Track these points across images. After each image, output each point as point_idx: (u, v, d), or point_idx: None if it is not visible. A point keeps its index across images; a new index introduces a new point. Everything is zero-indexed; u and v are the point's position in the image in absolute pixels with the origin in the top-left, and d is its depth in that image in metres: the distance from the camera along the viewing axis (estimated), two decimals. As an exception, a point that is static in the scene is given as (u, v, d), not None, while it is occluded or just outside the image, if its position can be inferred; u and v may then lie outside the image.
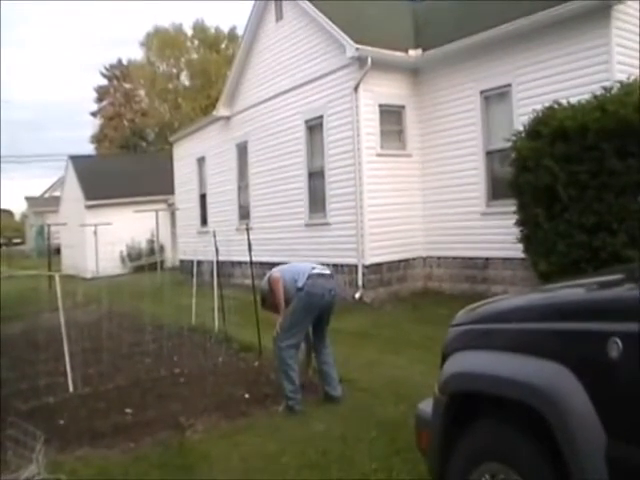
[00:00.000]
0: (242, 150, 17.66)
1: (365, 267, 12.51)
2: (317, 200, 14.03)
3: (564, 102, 8.47)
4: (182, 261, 21.52)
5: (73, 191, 29.52)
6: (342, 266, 12.76)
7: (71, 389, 6.95)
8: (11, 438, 4.75)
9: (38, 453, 4.53)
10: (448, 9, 14.71)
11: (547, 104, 8.66)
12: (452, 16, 13.98)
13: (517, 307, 3.02)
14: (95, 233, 22.76)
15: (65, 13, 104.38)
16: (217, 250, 9.77)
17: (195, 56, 57.89)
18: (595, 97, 7.97)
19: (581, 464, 2.27)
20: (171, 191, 24.22)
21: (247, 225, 11.58)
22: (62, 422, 5.94)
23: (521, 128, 8.90)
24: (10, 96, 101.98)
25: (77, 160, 31.22)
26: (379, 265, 12.67)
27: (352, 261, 12.58)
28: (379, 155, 12.81)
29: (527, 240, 8.84)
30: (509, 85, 11.37)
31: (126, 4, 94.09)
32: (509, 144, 9.07)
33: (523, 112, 10.18)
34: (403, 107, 13.35)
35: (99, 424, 5.81)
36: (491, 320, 2.98)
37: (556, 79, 10.36)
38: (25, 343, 9.65)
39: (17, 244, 60.52)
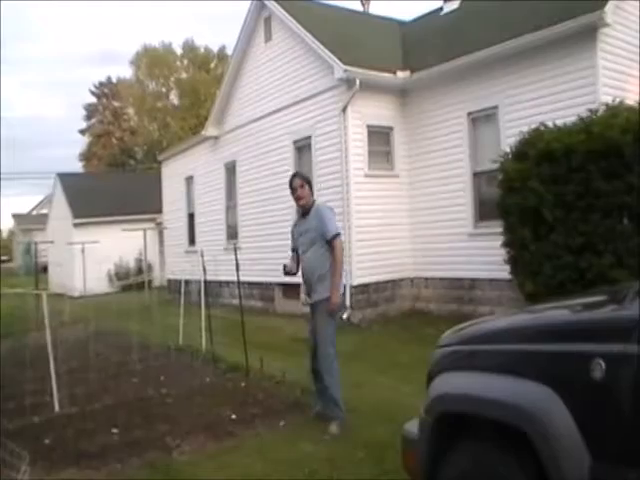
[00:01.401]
0: (230, 170, 17.69)
1: (353, 287, 12.52)
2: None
3: (550, 124, 8.56)
4: (170, 280, 21.49)
5: (61, 209, 29.41)
6: (330, 286, 12.75)
7: (57, 408, 6.89)
8: (-4, 459, 4.72)
9: (23, 474, 4.50)
10: (436, 31, 14.88)
11: (534, 126, 8.74)
12: (440, 38, 14.13)
13: (503, 328, 3.05)
14: (83, 251, 22.74)
15: (54, 30, 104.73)
16: (205, 270, 9.77)
17: (184, 75, 58.11)
18: (581, 119, 8.06)
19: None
20: (159, 210, 24.21)
21: (235, 245, 11.59)
22: (48, 442, 5.89)
23: (508, 150, 8.98)
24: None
25: (65, 178, 31.10)
26: (367, 286, 12.69)
27: (340, 281, 12.56)
28: (367, 176, 12.87)
29: (514, 261, 8.88)
30: (496, 107, 11.48)
31: (115, 23, 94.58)
32: (496, 165, 9.14)
33: (510, 134, 10.29)
34: (391, 128, 13.43)
35: (85, 444, 5.76)
36: (477, 341, 3.01)
37: (543, 101, 10.48)
38: (11, 362, 9.58)
39: (4, 262, 60.14)
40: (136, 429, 6.19)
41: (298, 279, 6.55)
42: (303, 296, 6.43)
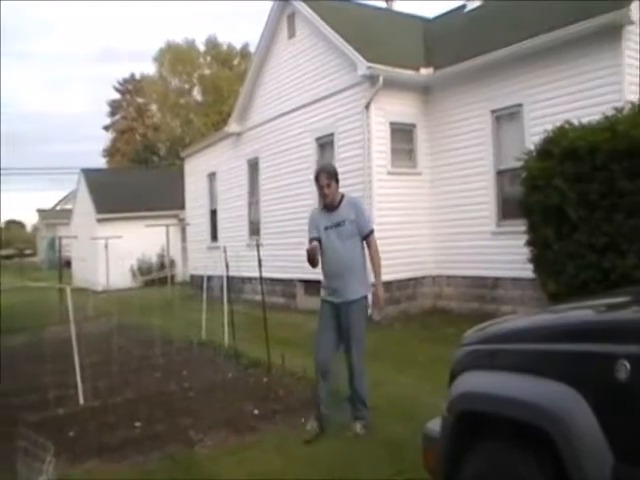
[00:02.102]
0: (253, 166, 17.75)
1: (374, 285, 12.46)
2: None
3: (575, 122, 8.49)
4: (192, 276, 21.61)
5: (84, 204, 29.66)
6: (351, 283, 12.74)
7: (81, 401, 6.99)
8: (21, 449, 4.78)
9: (48, 465, 4.55)
10: (459, 28, 14.81)
11: (558, 124, 8.67)
12: (463, 35, 14.07)
13: (526, 327, 3.03)
14: (106, 246, 22.82)
15: (79, 28, 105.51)
16: (227, 265, 9.81)
17: (207, 72, 58.30)
18: (606, 117, 8.00)
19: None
20: (182, 206, 24.34)
21: (257, 241, 11.61)
22: (72, 434, 5.98)
23: (532, 148, 8.92)
24: (27, 109, 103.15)
25: (89, 173, 31.39)
26: (388, 283, 12.62)
27: (361, 278, 12.53)
28: (390, 173, 12.85)
29: (537, 260, 8.82)
30: (520, 105, 11.41)
31: (139, 20, 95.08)
32: (520, 164, 9.08)
33: (534, 132, 10.23)
34: (414, 125, 13.40)
35: (108, 437, 5.84)
36: (500, 340, 3.00)
37: (567, 99, 10.40)
38: (36, 355, 9.69)
39: (28, 256, 60.76)
40: (158, 423, 6.25)
41: (317, 275, 6.43)
42: (325, 292, 6.06)
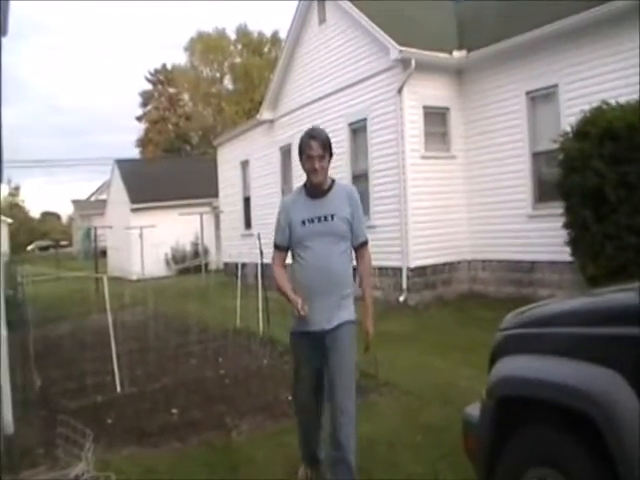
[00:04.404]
0: (285, 153, 17.71)
1: (410, 270, 12.44)
2: (361, 203, 13.98)
3: (612, 102, 8.32)
4: (226, 264, 21.69)
5: (119, 194, 29.96)
6: (386, 269, 12.71)
7: (118, 389, 7.05)
8: (61, 436, 4.83)
9: (87, 451, 4.59)
10: (492, 9, 14.54)
11: (595, 104, 8.52)
12: (496, 16, 13.83)
13: (568, 311, 2.98)
14: (140, 236, 23.06)
15: (111, 20, 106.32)
16: (261, 252, 9.81)
17: (238, 60, 58.45)
18: (644, 96, 7.84)
19: (632, 471, 2.24)
20: (215, 194, 24.43)
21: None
22: (110, 421, 6.05)
23: (568, 129, 8.77)
24: (60, 102, 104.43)
25: (123, 164, 31.69)
26: (424, 268, 12.59)
27: (396, 264, 12.51)
28: (423, 157, 12.74)
29: (574, 243, 8.70)
30: (556, 85, 11.20)
31: (170, 10, 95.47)
32: (556, 145, 8.94)
33: (570, 113, 10.02)
34: (447, 109, 13.25)
35: (146, 423, 5.89)
36: (541, 324, 2.95)
37: (604, 79, 10.15)
38: (74, 343, 9.80)
39: (64, 246, 61.57)
40: (195, 409, 6.30)
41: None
42: (295, 320, 4.39)
